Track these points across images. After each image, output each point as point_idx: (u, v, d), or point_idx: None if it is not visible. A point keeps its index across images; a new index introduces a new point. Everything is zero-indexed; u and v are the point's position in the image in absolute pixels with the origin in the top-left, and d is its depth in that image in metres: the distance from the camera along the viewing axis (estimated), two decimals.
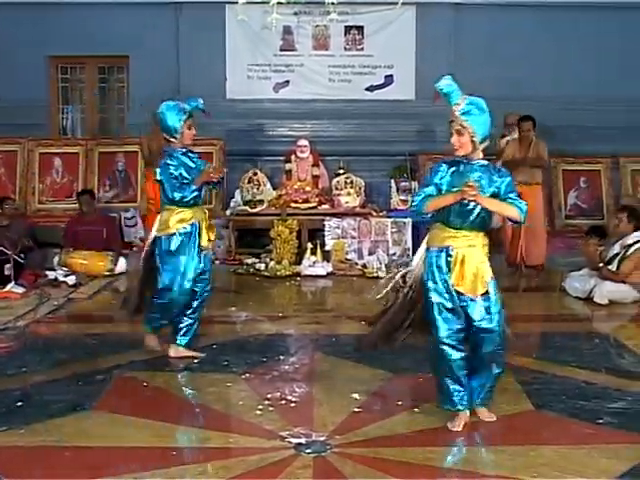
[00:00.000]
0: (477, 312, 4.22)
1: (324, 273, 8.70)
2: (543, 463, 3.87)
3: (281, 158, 10.25)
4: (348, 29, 11.30)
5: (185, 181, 5.41)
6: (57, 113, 11.86)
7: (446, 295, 4.23)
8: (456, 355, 4.23)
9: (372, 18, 11.18)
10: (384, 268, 8.68)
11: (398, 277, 4.62)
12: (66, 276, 8.03)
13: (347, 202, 9.60)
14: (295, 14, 11.06)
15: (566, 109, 10.66)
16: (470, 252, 4.23)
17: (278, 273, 8.58)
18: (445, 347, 4.23)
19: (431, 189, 4.25)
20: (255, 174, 9.97)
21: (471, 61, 11.07)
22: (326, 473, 3.78)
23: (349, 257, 9.11)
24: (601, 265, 7.64)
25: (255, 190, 9.86)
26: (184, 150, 5.54)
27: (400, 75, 11.25)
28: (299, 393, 4.88)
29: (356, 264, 9.00)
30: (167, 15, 11.02)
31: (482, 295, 4.23)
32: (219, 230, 9.81)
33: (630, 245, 7.47)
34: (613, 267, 7.50)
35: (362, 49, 11.32)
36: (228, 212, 9.98)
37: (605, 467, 3.85)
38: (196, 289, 5.50)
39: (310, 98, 11.19)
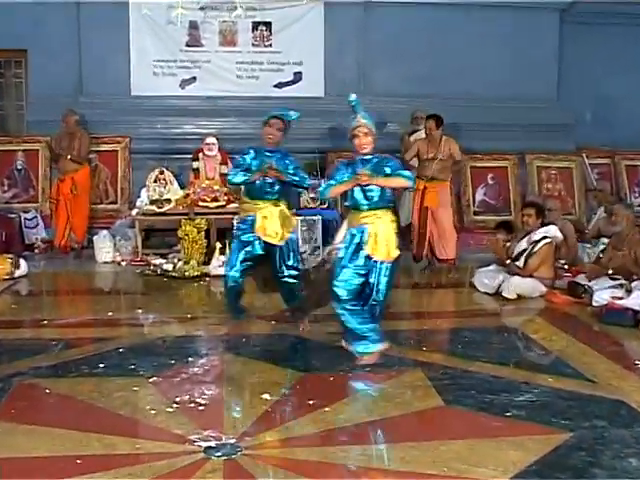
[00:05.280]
0: (381, 274, 5.34)
1: None
2: (452, 457, 3.95)
3: (188, 156, 10.15)
4: (256, 25, 11.25)
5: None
6: None
7: (355, 260, 5.33)
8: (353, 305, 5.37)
9: (280, 14, 11.17)
10: None
11: (325, 254, 6.11)
12: None
13: None
14: (201, 9, 10.96)
15: (472, 106, 10.90)
16: (381, 228, 5.35)
17: (186, 273, 8.49)
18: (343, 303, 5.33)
19: (332, 181, 5.53)
20: (162, 173, 9.85)
21: (379, 59, 11.21)
22: (237, 476, 3.77)
23: None
24: (509, 261, 7.84)
25: (162, 189, 9.74)
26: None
27: (309, 72, 11.28)
28: (208, 395, 4.84)
29: None
30: (67, 9, 10.74)
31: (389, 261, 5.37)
32: (125, 230, 9.69)
33: (537, 241, 7.69)
34: (520, 263, 7.70)
35: (270, 45, 11.29)
36: (134, 212, 9.83)
37: (514, 459, 3.95)
38: None
39: (217, 95, 11.11)
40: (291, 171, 6.13)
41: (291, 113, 6.19)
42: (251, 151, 6.20)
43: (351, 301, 5.31)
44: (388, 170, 5.37)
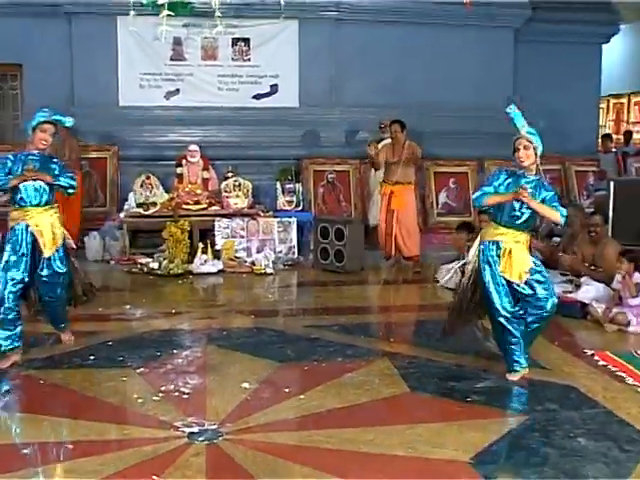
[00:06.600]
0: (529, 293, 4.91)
1: (215, 271, 8.63)
2: (417, 439, 3.98)
3: (173, 162, 10.11)
4: (235, 41, 11.23)
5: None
6: None
7: (498, 276, 4.91)
8: (513, 325, 4.92)
9: (258, 31, 11.16)
10: (271, 265, 8.72)
11: (457, 268, 5.75)
12: None
13: (236, 203, 9.57)
14: (184, 26, 10.92)
15: (436, 116, 10.95)
16: (515, 247, 4.92)
17: (171, 272, 8.45)
18: (502, 319, 4.91)
19: (490, 189, 4.98)
20: (148, 178, 9.82)
21: (349, 72, 11.22)
22: (218, 459, 3.78)
23: (238, 255, 9.07)
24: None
25: (148, 193, 9.72)
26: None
27: (284, 84, 11.27)
28: (192, 384, 4.84)
29: (245, 262, 8.98)
30: (59, 25, 10.65)
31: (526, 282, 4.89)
32: (114, 232, 9.63)
33: None
34: None
35: (249, 60, 11.28)
36: (122, 214, 9.76)
37: (473, 440, 3.99)
38: None
39: (200, 105, 11.08)
40: (57, 173, 5.42)
41: (67, 119, 5.63)
42: (10, 156, 5.45)
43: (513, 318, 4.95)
44: (544, 198, 4.92)
